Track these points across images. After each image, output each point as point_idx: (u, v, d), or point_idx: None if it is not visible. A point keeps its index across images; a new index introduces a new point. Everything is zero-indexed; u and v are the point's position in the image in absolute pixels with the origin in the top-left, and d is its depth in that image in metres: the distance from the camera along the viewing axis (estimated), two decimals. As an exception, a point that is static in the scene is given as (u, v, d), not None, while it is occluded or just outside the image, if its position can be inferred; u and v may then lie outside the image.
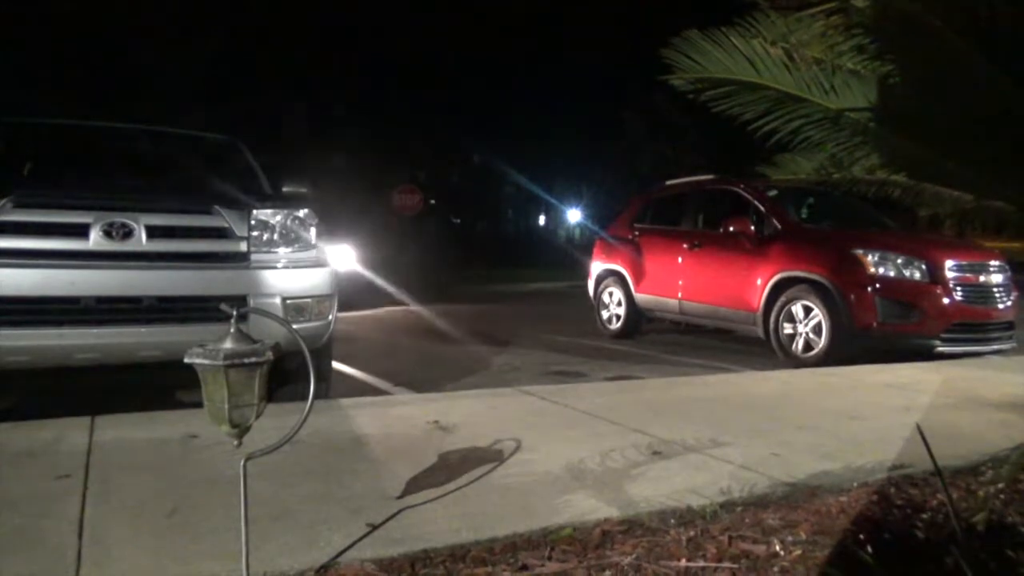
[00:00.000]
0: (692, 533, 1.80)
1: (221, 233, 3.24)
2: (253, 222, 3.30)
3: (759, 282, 6.02)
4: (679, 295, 6.90)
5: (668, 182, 7.99)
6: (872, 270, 5.48)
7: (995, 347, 5.62)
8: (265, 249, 3.30)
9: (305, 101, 22.74)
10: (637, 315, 7.51)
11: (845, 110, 3.49)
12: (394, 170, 22.57)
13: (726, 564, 1.64)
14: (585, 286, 8.43)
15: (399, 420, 3.00)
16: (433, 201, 25.88)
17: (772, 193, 6.42)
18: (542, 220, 38.40)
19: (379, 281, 11.12)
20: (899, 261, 5.51)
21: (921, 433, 1.70)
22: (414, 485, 2.14)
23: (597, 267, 8.11)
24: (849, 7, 3.03)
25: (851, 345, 5.43)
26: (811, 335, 5.61)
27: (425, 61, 27.91)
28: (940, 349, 5.35)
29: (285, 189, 4.21)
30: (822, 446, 2.69)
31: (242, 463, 1.44)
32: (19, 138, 4.46)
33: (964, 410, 3.44)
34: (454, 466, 2.33)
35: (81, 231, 2.98)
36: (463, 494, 2.07)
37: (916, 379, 4.30)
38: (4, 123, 4.40)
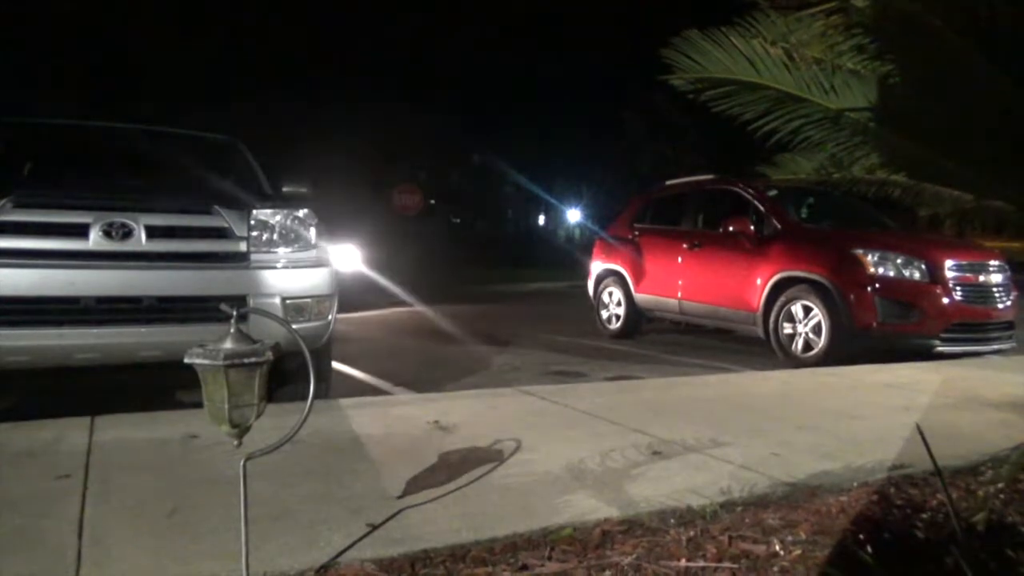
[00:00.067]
0: (692, 533, 1.80)
1: (221, 233, 3.24)
2: (253, 222, 3.30)
3: (759, 282, 6.02)
4: (679, 295, 6.90)
5: (668, 182, 7.98)
6: (872, 270, 5.48)
7: (995, 347, 5.62)
8: (265, 249, 3.30)
9: (305, 101, 22.75)
10: (637, 315, 7.51)
11: (845, 110, 3.49)
12: (394, 170, 22.59)
13: (726, 564, 1.64)
14: (585, 286, 8.43)
15: (399, 420, 3.00)
16: (433, 201, 25.89)
17: (772, 193, 6.42)
18: (542, 220, 38.39)
19: (383, 281, 11.15)
20: (899, 261, 5.51)
21: (921, 433, 1.70)
22: (414, 485, 2.14)
23: (597, 267, 8.11)
24: (849, 7, 3.03)
25: (851, 345, 5.43)
26: (811, 335, 5.61)
27: (425, 61, 27.94)
28: (940, 349, 5.36)
29: (285, 189, 4.21)
30: (822, 446, 2.69)
31: (242, 463, 1.44)
32: (19, 138, 4.45)
33: (964, 410, 3.44)
34: (454, 466, 2.33)
35: (81, 231, 2.98)
36: (463, 494, 2.07)
37: (916, 379, 4.30)
38: (4, 123, 4.40)
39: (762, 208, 6.27)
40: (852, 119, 3.51)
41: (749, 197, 6.43)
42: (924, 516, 1.91)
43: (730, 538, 1.77)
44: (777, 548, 1.71)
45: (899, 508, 2.01)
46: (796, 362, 5.58)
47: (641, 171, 26.55)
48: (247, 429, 1.46)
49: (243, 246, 3.25)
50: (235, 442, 1.47)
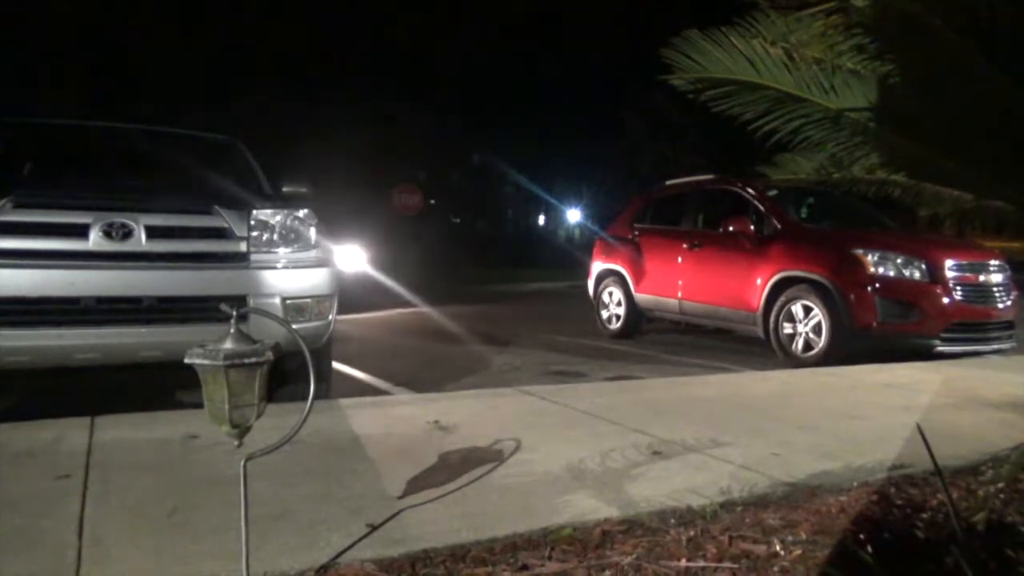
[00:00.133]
0: (692, 533, 1.80)
1: (221, 233, 3.24)
2: (253, 222, 3.30)
3: (759, 282, 6.02)
4: (679, 295, 6.90)
5: (668, 182, 7.98)
6: (872, 270, 5.48)
7: (995, 347, 5.62)
8: (265, 249, 3.30)
9: (305, 101, 22.75)
10: (637, 315, 7.51)
11: (845, 110, 3.49)
12: (394, 170, 22.59)
13: (726, 564, 1.64)
14: (585, 286, 8.43)
15: (399, 420, 3.00)
16: (433, 201, 25.89)
17: (772, 193, 6.42)
18: (542, 220, 38.39)
19: (388, 282, 11.18)
20: (899, 261, 5.51)
21: (921, 433, 1.70)
22: (414, 485, 2.14)
23: (597, 267, 8.11)
24: (849, 7, 3.03)
25: (851, 345, 5.43)
26: (811, 335, 5.61)
27: (425, 61, 27.95)
28: (940, 349, 5.36)
29: (285, 189, 4.21)
30: (822, 446, 2.69)
31: (242, 463, 1.44)
32: (19, 138, 4.45)
33: (964, 410, 3.44)
34: (454, 466, 2.33)
35: (81, 231, 2.98)
36: (463, 494, 2.07)
37: (916, 379, 4.30)
38: (4, 123, 4.40)
39: (762, 208, 6.27)
40: (852, 119, 3.51)
41: (749, 197, 6.43)
42: (924, 516, 1.91)
43: (730, 538, 1.77)
44: (777, 548, 1.71)
45: (899, 508, 2.01)
46: (796, 362, 5.58)
47: (641, 171, 26.55)
48: (247, 429, 1.46)
49: (243, 246, 3.25)
50: (235, 442, 1.47)
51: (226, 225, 3.24)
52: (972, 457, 2.52)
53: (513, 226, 37.22)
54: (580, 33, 32.98)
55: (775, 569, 1.62)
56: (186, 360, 1.40)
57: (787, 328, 5.78)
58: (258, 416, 1.46)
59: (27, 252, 2.90)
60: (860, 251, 5.56)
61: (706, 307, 6.64)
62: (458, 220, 33.71)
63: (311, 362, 1.48)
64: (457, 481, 2.17)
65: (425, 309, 10.37)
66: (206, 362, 1.38)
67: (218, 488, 2.07)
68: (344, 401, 3.39)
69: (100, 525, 1.80)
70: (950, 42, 2.80)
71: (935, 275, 5.45)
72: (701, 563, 1.64)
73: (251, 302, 3.10)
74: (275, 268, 3.28)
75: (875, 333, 5.41)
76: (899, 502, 2.05)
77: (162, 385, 4.08)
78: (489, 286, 17.03)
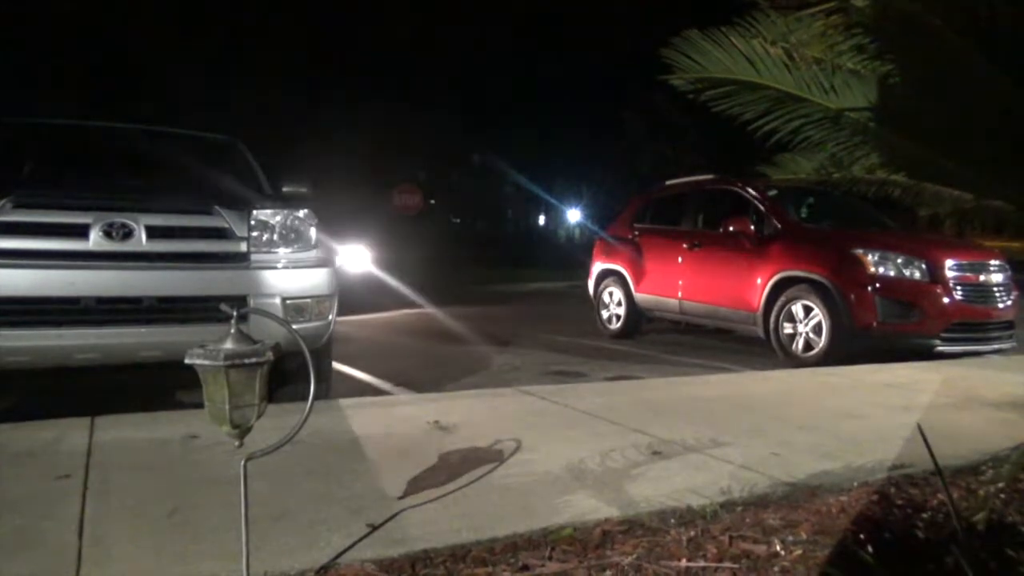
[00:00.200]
0: (692, 533, 1.80)
1: (221, 233, 3.24)
2: (253, 222, 3.30)
3: (759, 282, 6.02)
4: (679, 295, 6.90)
5: (668, 182, 7.98)
6: (872, 270, 5.48)
7: (995, 346, 5.62)
8: (265, 249, 3.30)
9: (305, 101, 22.76)
10: (637, 315, 7.51)
11: (845, 110, 3.49)
12: (394, 170, 22.59)
13: (726, 564, 1.64)
14: (585, 286, 8.43)
15: (399, 420, 3.00)
16: (433, 201, 25.89)
17: (772, 193, 6.42)
18: (542, 220, 38.39)
19: (392, 282, 11.19)
20: (899, 261, 5.51)
21: (922, 432, 1.70)
22: (414, 485, 2.14)
23: (597, 267, 8.11)
24: (849, 7, 3.03)
25: (851, 345, 5.43)
26: (811, 335, 5.61)
27: (425, 61, 27.94)
28: (940, 348, 5.36)
29: (285, 189, 4.21)
30: (822, 446, 2.69)
31: (242, 463, 1.44)
32: (19, 138, 4.45)
33: (964, 410, 3.44)
34: (454, 466, 2.33)
35: (81, 231, 2.98)
36: (463, 494, 2.07)
37: (916, 379, 4.30)
38: (4, 123, 4.40)
39: (762, 208, 6.27)
40: (852, 119, 3.51)
41: (749, 197, 6.43)
42: (924, 516, 1.91)
43: (730, 538, 1.77)
44: (778, 548, 1.71)
45: (899, 508, 2.01)
46: (796, 362, 5.58)
47: (641, 171, 26.54)
48: (248, 429, 1.46)
49: (243, 246, 3.25)
50: (236, 442, 1.47)
51: (226, 225, 3.24)
52: (972, 457, 2.52)
53: (513, 226, 37.23)
54: (580, 33, 32.96)
55: (775, 569, 1.62)
56: (186, 360, 1.40)
57: (787, 328, 5.78)
58: (258, 416, 1.46)
59: (27, 252, 2.90)
60: (860, 251, 5.56)
61: (706, 307, 6.64)
62: (458, 220, 33.71)
63: (311, 362, 1.48)
64: (457, 481, 2.17)
65: (425, 309, 10.37)
66: (206, 362, 1.38)
67: (218, 488, 2.07)
68: (344, 401, 3.39)
69: (100, 525, 1.80)
70: (950, 42, 2.80)
71: (935, 275, 5.45)
72: (701, 563, 1.64)
73: (251, 302, 3.10)
74: (275, 268, 3.28)
75: (875, 333, 5.41)
76: (899, 502, 2.05)
77: (162, 385, 4.08)
78: (489, 286, 17.02)
